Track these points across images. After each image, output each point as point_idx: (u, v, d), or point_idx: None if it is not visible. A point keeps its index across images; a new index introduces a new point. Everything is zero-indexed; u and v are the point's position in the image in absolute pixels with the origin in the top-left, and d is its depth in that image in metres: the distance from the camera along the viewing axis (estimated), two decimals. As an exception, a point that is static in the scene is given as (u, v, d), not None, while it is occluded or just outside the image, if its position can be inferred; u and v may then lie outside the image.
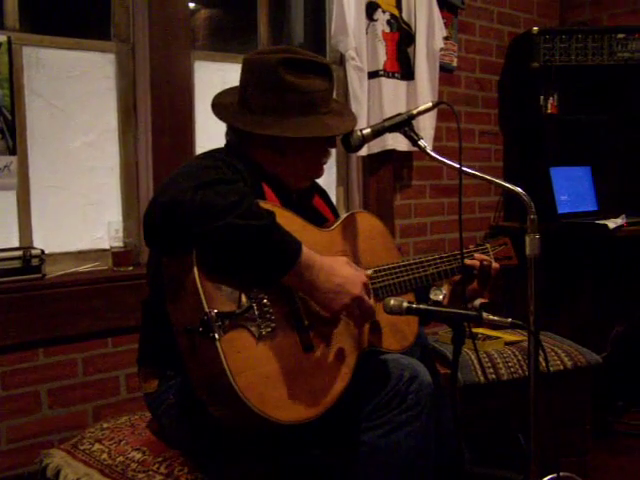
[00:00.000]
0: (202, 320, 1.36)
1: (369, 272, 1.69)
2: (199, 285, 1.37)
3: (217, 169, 1.48)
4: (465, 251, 1.92)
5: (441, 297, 1.92)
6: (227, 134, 1.81)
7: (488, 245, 1.98)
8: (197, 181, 1.39)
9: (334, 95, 1.85)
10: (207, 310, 1.36)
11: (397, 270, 1.78)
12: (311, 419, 1.45)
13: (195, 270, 1.38)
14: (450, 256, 1.86)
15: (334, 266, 1.52)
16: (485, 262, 1.89)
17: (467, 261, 1.86)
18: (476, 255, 1.91)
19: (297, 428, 1.45)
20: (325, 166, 1.85)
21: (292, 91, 1.67)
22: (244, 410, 1.36)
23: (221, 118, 1.75)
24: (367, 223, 1.86)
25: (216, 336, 1.35)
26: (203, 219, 1.35)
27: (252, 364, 1.39)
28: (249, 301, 1.43)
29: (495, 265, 1.90)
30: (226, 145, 1.81)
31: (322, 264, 1.49)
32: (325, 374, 1.52)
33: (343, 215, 1.81)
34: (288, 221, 1.50)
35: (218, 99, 1.81)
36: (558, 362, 2.56)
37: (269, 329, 1.44)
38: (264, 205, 1.48)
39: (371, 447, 1.57)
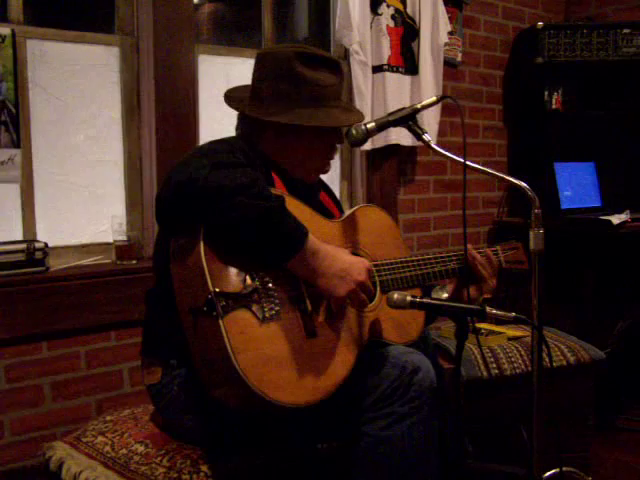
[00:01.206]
0: (207, 299, 1.37)
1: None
2: (205, 265, 1.39)
3: (231, 153, 1.51)
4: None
5: (445, 296, 1.93)
6: (237, 127, 1.85)
7: (498, 247, 1.99)
8: (212, 161, 1.42)
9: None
10: (212, 290, 1.38)
11: (399, 265, 1.78)
12: (311, 403, 1.45)
13: (202, 250, 1.40)
14: (459, 254, 1.87)
15: (337, 253, 1.54)
16: (489, 256, 1.90)
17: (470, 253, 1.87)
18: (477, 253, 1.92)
19: (299, 416, 1.46)
20: (331, 162, 1.87)
21: (304, 83, 1.71)
22: (244, 390, 1.37)
23: (233, 107, 1.79)
24: (376, 217, 1.86)
25: (220, 315, 1.37)
26: (215, 197, 1.37)
27: (254, 345, 1.40)
28: (254, 283, 1.45)
29: (494, 261, 1.91)
30: (237, 135, 1.83)
31: (326, 251, 1.51)
32: (327, 360, 1.52)
33: (352, 208, 1.82)
34: (297, 209, 1.53)
35: (231, 92, 1.86)
36: (561, 357, 2.56)
37: (273, 312, 1.46)
38: (274, 191, 1.50)
39: (374, 438, 1.57)
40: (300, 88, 1.71)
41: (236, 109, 1.80)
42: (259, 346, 1.41)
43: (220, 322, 1.37)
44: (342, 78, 1.81)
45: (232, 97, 1.82)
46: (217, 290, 1.38)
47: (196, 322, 1.42)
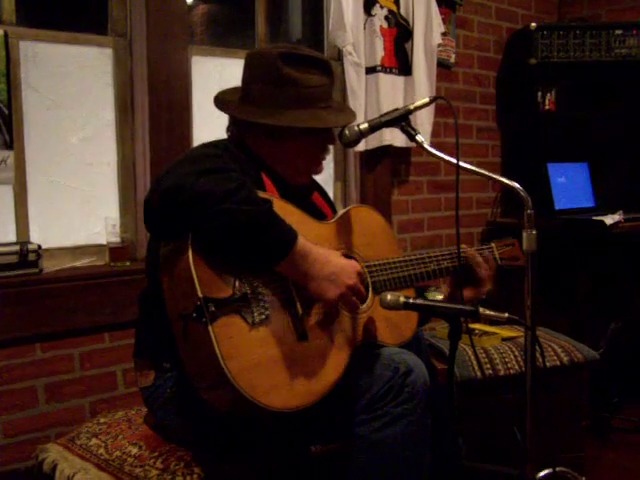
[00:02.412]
0: (196, 306, 1.37)
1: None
2: (193, 271, 1.39)
3: (219, 157, 1.51)
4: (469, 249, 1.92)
5: (440, 298, 1.93)
6: (228, 128, 1.84)
7: (493, 244, 1.99)
8: (199, 168, 1.41)
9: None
10: (200, 296, 1.38)
11: (392, 265, 1.78)
12: (301, 407, 1.45)
13: (190, 256, 1.39)
14: (453, 253, 1.86)
15: (328, 256, 1.54)
16: (488, 257, 1.90)
17: (465, 252, 1.87)
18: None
19: (292, 418, 1.46)
20: (324, 163, 1.86)
21: (290, 84, 1.70)
22: (235, 395, 1.37)
23: (222, 109, 1.79)
24: (368, 218, 1.86)
25: (209, 321, 1.36)
26: (202, 205, 1.37)
27: (244, 350, 1.40)
28: (243, 288, 1.44)
29: (480, 261, 1.90)
30: (228, 138, 1.83)
31: (317, 254, 1.51)
32: (318, 363, 1.52)
33: (344, 209, 1.82)
34: (286, 212, 1.52)
35: (221, 95, 1.85)
36: (555, 358, 2.56)
37: (263, 316, 1.46)
38: (263, 195, 1.50)
39: (367, 440, 1.57)
40: (286, 90, 1.70)
41: (225, 111, 1.79)
42: (249, 351, 1.41)
43: (209, 328, 1.36)
44: (332, 78, 1.79)
45: (222, 100, 1.82)
46: (206, 296, 1.38)
47: (186, 328, 1.42)
